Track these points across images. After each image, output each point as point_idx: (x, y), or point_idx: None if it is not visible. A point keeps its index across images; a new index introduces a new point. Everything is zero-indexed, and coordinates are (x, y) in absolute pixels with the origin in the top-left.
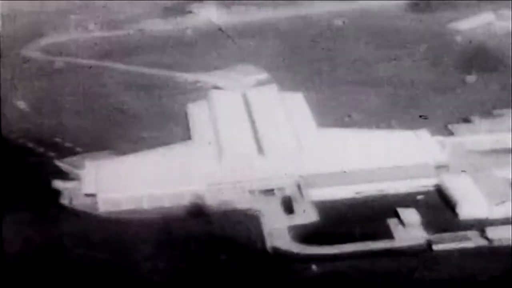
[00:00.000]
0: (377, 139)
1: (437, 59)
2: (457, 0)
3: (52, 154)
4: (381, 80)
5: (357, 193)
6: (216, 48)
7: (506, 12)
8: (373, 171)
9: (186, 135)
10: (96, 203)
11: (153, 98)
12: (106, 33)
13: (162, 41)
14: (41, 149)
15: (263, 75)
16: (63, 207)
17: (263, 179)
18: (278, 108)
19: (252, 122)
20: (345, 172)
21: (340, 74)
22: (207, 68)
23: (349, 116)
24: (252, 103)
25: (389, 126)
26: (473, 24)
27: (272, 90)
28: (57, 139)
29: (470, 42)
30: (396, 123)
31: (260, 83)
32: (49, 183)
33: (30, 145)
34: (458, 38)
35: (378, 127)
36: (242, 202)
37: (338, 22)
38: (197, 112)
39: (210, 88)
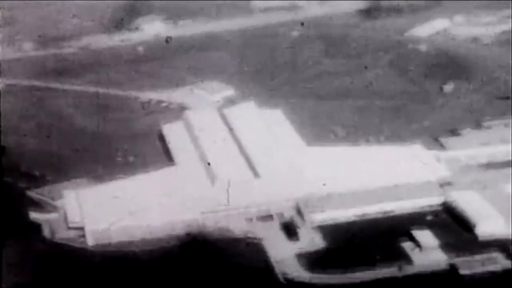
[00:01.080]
0: (372, 156)
1: (404, 68)
2: (406, 6)
3: (22, 184)
4: (353, 92)
5: (361, 215)
6: (171, 64)
7: (460, 17)
8: (375, 190)
9: (165, 159)
10: (82, 236)
11: (118, 119)
12: (44, 51)
13: (111, 58)
14: (8, 179)
15: (230, 91)
16: (46, 242)
17: (260, 204)
18: (261, 126)
19: (238, 143)
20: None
21: (309, 87)
22: (167, 85)
23: (333, 132)
24: (232, 122)
25: (378, 141)
26: (430, 31)
27: (250, 107)
28: (23, 168)
29: (435, 50)
30: (385, 137)
31: (229, 100)
32: (26, 216)
33: None
34: (422, 47)
35: (367, 142)
36: (240, 229)
37: (294, 32)
38: (174, 134)
39: (177, 107)
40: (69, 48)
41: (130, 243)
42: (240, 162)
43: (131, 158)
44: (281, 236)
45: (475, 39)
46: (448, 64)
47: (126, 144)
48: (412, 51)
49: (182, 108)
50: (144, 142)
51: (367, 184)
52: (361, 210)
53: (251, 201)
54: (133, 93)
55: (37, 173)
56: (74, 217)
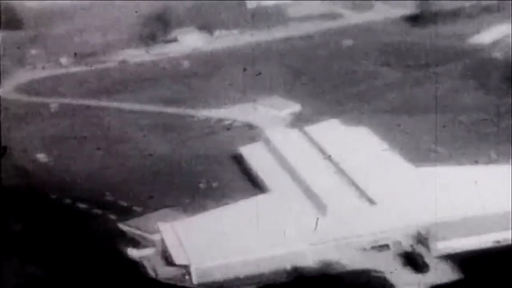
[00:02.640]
0: (492, 176)
1: (481, 78)
2: (456, 11)
3: (111, 216)
4: (433, 106)
5: (496, 241)
6: (221, 79)
7: None
8: (503, 215)
9: (249, 184)
10: (185, 274)
11: (183, 140)
12: (83, 68)
13: (157, 73)
14: (96, 210)
15: (296, 107)
16: (151, 281)
17: (374, 232)
18: (354, 145)
19: (336, 165)
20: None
21: (380, 101)
22: (222, 102)
23: (435, 151)
24: (320, 142)
25: (489, 160)
26: (494, 37)
27: (334, 125)
28: (107, 197)
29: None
30: (496, 154)
31: (298, 117)
32: (124, 252)
33: (81, 205)
34: (498, 55)
35: (477, 161)
36: (352, 261)
37: (348, 42)
38: (256, 156)
39: (242, 125)
40: (108, 63)
41: (237, 279)
42: (346, 187)
43: (214, 185)
44: (402, 267)
45: None
46: None
47: (202, 168)
48: (486, 60)
49: (249, 127)
50: (222, 166)
51: (495, 206)
52: (496, 236)
53: (363, 229)
54: (190, 111)
55: (124, 203)
56: (177, 254)
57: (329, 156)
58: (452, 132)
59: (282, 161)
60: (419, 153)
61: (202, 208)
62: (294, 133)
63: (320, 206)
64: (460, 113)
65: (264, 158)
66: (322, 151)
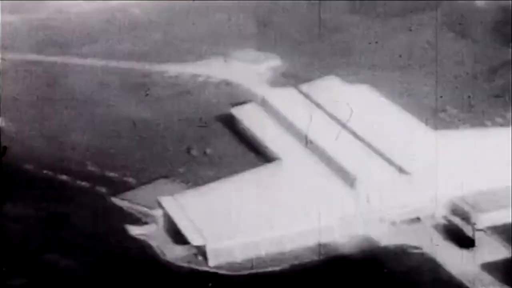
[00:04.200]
0: None
1: (468, 29)
2: None
3: (100, 188)
4: (421, 59)
5: None
6: (181, 30)
7: None
8: None
9: (250, 151)
10: (198, 254)
11: (158, 100)
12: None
13: (102, 24)
14: (81, 183)
15: (274, 61)
16: (159, 263)
17: (405, 205)
18: (363, 107)
19: (351, 131)
20: None
21: (361, 55)
22: (189, 56)
23: (444, 110)
24: (324, 103)
25: (506, 121)
26: None
27: (334, 83)
28: (89, 167)
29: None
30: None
31: (279, 73)
32: (124, 230)
33: (63, 177)
34: (479, 3)
35: (494, 123)
36: (384, 236)
37: None
38: (253, 120)
39: (220, 82)
40: (40, 13)
41: (258, 260)
42: (369, 154)
43: (208, 151)
44: (443, 242)
45: None
46: None
47: (189, 132)
48: (467, 8)
49: (226, 84)
50: (211, 129)
51: None
52: None
53: (394, 202)
54: (155, 67)
55: (112, 174)
56: (189, 232)
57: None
58: (451, 88)
59: (285, 124)
60: (428, 113)
61: (201, 178)
62: (291, 93)
63: (344, 176)
64: (451, 67)
65: (263, 121)
66: (328, 113)
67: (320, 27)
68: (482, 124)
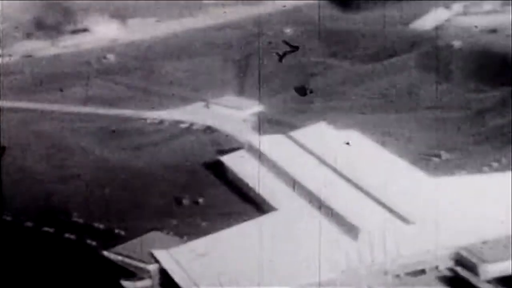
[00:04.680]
0: None
1: (447, 70)
2: None
3: (90, 241)
4: (406, 102)
5: None
6: (160, 76)
7: (458, 6)
8: None
9: (242, 201)
10: None
11: (141, 147)
12: None
13: (75, 68)
14: (69, 235)
15: (256, 107)
16: None
17: (408, 256)
18: (355, 153)
19: (346, 178)
20: None
21: (345, 98)
22: (168, 102)
23: (438, 155)
24: (316, 150)
25: (501, 167)
26: (435, 22)
27: (323, 129)
28: (74, 218)
29: (469, 45)
30: (507, 161)
31: (263, 118)
32: (116, 286)
33: (48, 229)
34: (457, 43)
35: (491, 168)
36: None
37: (287, 29)
38: (245, 168)
39: (203, 128)
40: (7, 57)
41: None
42: (369, 204)
43: (200, 201)
44: None
45: (493, 30)
46: (504, 65)
47: (177, 181)
48: (444, 48)
49: (211, 131)
50: (200, 178)
51: None
52: None
53: (397, 253)
54: (134, 113)
55: (100, 226)
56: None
57: (324, 161)
58: (442, 132)
59: (279, 173)
60: (419, 158)
61: (195, 230)
62: (281, 140)
63: (347, 227)
64: (436, 111)
65: (255, 169)
66: (322, 160)
67: (297, 69)
68: (480, 170)
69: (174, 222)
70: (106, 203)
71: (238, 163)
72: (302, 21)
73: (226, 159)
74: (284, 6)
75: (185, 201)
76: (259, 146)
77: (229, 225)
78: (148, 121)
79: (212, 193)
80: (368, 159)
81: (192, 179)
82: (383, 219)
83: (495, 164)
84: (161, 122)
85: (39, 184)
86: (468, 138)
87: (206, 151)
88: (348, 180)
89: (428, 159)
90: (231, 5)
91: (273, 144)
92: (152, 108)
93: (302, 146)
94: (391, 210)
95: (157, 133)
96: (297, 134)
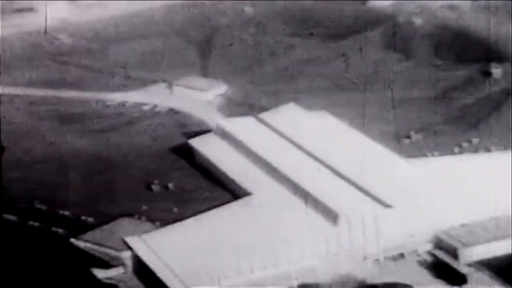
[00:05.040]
0: (498, 165)
1: (409, 48)
2: None
3: (57, 229)
4: (372, 82)
5: None
6: (116, 57)
7: None
8: None
9: (214, 185)
10: None
11: (103, 131)
12: None
13: (25, 49)
14: (34, 223)
15: (220, 87)
16: None
17: (387, 240)
18: (327, 135)
19: (320, 161)
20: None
21: (310, 78)
22: (126, 84)
23: (408, 137)
24: (287, 132)
25: (472, 147)
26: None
27: (293, 110)
28: (37, 206)
29: (430, 22)
30: (478, 141)
31: (228, 100)
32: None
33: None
34: (417, 21)
35: (462, 149)
36: (371, 275)
37: (248, 9)
38: (215, 152)
39: (167, 110)
40: None
41: None
42: (345, 188)
43: (170, 186)
44: (430, 279)
45: (451, 7)
46: (466, 41)
47: (145, 166)
48: (406, 27)
49: (174, 112)
50: (168, 162)
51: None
52: None
53: (376, 238)
54: (92, 95)
55: (68, 213)
56: (167, 277)
57: (299, 144)
58: (409, 112)
59: (251, 156)
60: (390, 139)
61: (166, 215)
62: (250, 122)
63: (325, 212)
64: (403, 90)
65: (226, 153)
66: (294, 143)
67: (260, 49)
68: (451, 151)
69: (145, 207)
70: (71, 190)
71: (208, 147)
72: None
73: (195, 142)
74: None
75: (155, 187)
76: (229, 128)
77: (201, 210)
78: (108, 103)
79: (182, 178)
80: (341, 141)
81: (160, 163)
82: (361, 204)
83: (465, 145)
84: (122, 104)
85: None
86: (436, 118)
87: (172, 134)
88: (323, 163)
89: (398, 140)
90: None
91: (243, 126)
92: (111, 90)
93: (272, 128)
94: (368, 194)
95: (118, 116)
96: (267, 116)
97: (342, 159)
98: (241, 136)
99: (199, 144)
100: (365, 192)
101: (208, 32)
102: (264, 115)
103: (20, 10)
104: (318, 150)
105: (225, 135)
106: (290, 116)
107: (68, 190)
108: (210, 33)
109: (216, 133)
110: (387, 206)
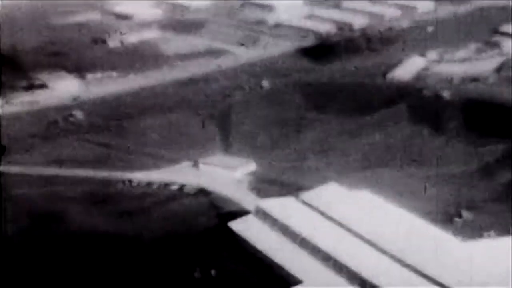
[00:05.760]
0: None
1: (439, 123)
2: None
3: None
4: (402, 157)
5: None
6: (137, 135)
7: (433, 53)
8: None
9: (259, 272)
10: None
11: (132, 214)
12: None
13: (41, 128)
14: None
15: (249, 165)
16: None
17: None
18: (374, 216)
19: (376, 247)
20: None
21: (343, 155)
22: (151, 163)
23: (460, 216)
24: (332, 213)
25: None
26: (412, 72)
27: (335, 190)
28: None
29: (456, 96)
30: None
31: (257, 178)
32: None
33: None
34: (445, 94)
35: None
36: None
37: (265, 83)
38: (258, 235)
39: (196, 191)
40: None
41: None
42: (404, 272)
43: (212, 272)
44: None
45: (475, 79)
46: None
47: (182, 252)
48: (431, 100)
49: (205, 193)
50: (208, 247)
51: None
52: None
53: None
54: (117, 175)
55: None
56: None
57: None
58: (453, 189)
59: (298, 241)
60: (439, 218)
61: None
62: (292, 203)
63: None
64: (442, 165)
65: (270, 236)
66: (341, 224)
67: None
68: (507, 231)
69: None
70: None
71: (250, 230)
72: (279, 73)
73: (235, 225)
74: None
75: (197, 274)
76: (270, 210)
77: None
78: (133, 183)
79: (225, 265)
80: (389, 222)
81: (201, 249)
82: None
83: None
84: (148, 184)
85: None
86: (483, 195)
87: (208, 216)
88: (376, 247)
89: (450, 219)
90: (190, 57)
91: (283, 207)
92: (134, 169)
93: (315, 209)
94: (428, 278)
95: (144, 197)
96: (307, 196)
97: (397, 242)
98: (284, 218)
99: (240, 227)
100: (425, 276)
101: (223, 107)
102: (304, 195)
103: (30, 87)
104: (369, 233)
105: (266, 217)
106: (333, 197)
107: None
108: (226, 108)
109: (256, 215)
110: None
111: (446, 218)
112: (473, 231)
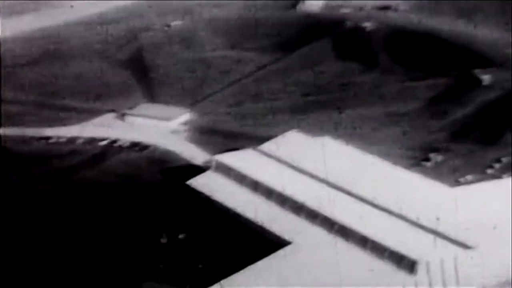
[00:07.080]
0: None
1: (369, 56)
2: None
3: None
4: (339, 93)
5: None
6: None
7: None
8: None
9: (235, 234)
10: None
11: (63, 174)
12: None
13: None
14: None
15: (182, 114)
16: None
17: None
18: (347, 163)
19: (361, 198)
20: None
21: (280, 94)
22: (71, 115)
23: (427, 159)
24: (303, 165)
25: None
26: (319, 3)
27: (296, 139)
28: None
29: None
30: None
31: (193, 127)
32: None
33: None
34: (367, 25)
35: (495, 169)
36: None
37: (175, 23)
38: (228, 193)
39: (129, 145)
40: None
41: None
42: (407, 228)
43: (181, 236)
44: None
45: (386, 7)
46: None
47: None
48: (355, 32)
49: (140, 147)
50: (167, 206)
51: None
52: None
53: (457, 283)
54: (33, 131)
55: None
56: None
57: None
58: (403, 129)
59: (276, 197)
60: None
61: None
62: (254, 155)
63: (397, 259)
64: (385, 105)
65: (238, 193)
66: (316, 177)
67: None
68: (483, 172)
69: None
70: None
71: (213, 187)
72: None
73: (196, 183)
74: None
75: (163, 239)
76: (233, 165)
77: (236, 267)
78: (53, 140)
79: (194, 227)
80: (364, 169)
81: (156, 212)
82: (437, 246)
83: (497, 165)
84: (71, 141)
85: None
86: (439, 135)
87: (149, 173)
88: (356, 197)
89: (418, 163)
90: None
91: (245, 161)
92: (52, 124)
93: (283, 161)
94: (440, 235)
95: (72, 155)
96: (269, 147)
97: (377, 192)
98: (252, 172)
99: (201, 184)
100: (435, 233)
101: (131, 51)
102: (265, 146)
103: None
104: (346, 183)
105: (230, 172)
106: (294, 145)
107: None
108: (135, 52)
109: (216, 170)
110: (469, 247)
111: (413, 162)
112: (447, 174)
